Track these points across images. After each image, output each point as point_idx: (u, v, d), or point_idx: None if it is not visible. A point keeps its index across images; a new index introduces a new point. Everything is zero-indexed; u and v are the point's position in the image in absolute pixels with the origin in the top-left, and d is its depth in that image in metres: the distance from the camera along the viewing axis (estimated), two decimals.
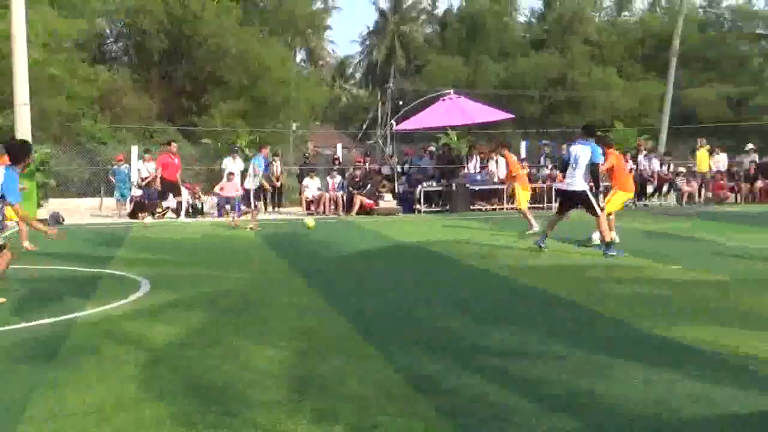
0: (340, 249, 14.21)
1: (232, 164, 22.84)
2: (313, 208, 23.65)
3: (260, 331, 7.32)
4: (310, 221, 17.52)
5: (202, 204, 23.77)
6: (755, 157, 26.95)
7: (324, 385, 5.49)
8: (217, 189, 23.09)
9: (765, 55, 55.04)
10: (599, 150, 12.48)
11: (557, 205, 12.43)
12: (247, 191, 18.64)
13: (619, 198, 14.05)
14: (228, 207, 22.55)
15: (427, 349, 6.50)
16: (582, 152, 12.31)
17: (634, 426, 4.60)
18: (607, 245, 12.31)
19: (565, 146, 19.93)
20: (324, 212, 23.16)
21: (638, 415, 4.76)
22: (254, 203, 18.62)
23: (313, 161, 27.00)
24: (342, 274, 11.48)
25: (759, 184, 25.78)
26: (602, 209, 12.55)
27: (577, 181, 12.41)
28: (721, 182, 26.02)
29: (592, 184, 12.44)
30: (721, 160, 26.96)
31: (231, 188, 22.59)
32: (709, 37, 53.16)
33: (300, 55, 50.03)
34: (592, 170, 12.38)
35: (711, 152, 26.46)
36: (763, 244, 13.84)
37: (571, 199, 12.71)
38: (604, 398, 5.10)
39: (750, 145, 27.97)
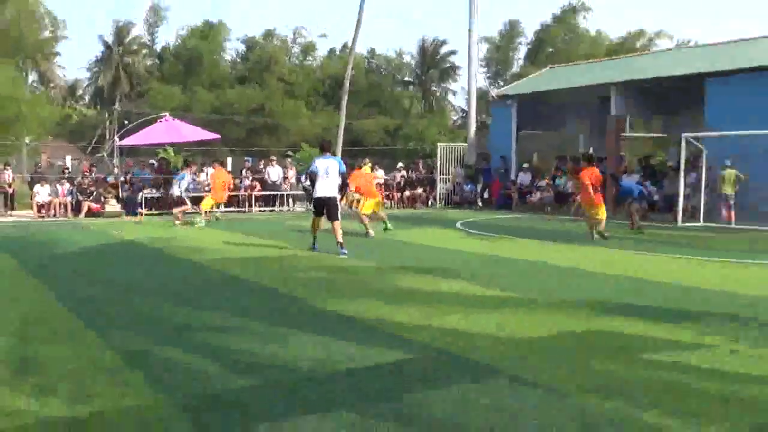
0: (66, 247, 13.23)
1: None
2: (44, 211, 21.82)
3: None
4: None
5: None
6: (404, 172, 28.92)
7: (45, 364, 5.17)
8: None
9: (410, 96, 59.39)
10: (343, 162, 12.70)
11: (315, 210, 12.27)
12: None
13: (370, 204, 15.36)
14: None
15: (141, 330, 6.32)
16: (331, 165, 12.27)
17: (304, 379, 4.81)
18: (341, 245, 11.89)
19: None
20: (55, 215, 21.48)
21: (307, 371, 4.99)
22: None
23: (45, 170, 25.09)
24: (66, 268, 10.69)
25: (407, 193, 27.69)
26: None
27: (331, 189, 12.14)
28: (380, 191, 27.53)
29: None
30: (380, 175, 28.61)
31: None
32: (371, 81, 56.29)
33: (32, 76, 46.11)
34: (342, 178, 12.51)
35: (372, 168, 27.95)
36: (408, 238, 14.82)
37: (327, 204, 12.18)
38: (282, 360, 5.28)
39: (400, 164, 30.07)
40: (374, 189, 16.67)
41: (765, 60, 18.64)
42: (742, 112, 17.97)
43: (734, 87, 18.76)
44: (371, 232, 15.01)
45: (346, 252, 11.63)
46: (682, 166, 18.83)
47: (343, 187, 13.07)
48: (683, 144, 18.64)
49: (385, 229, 15.76)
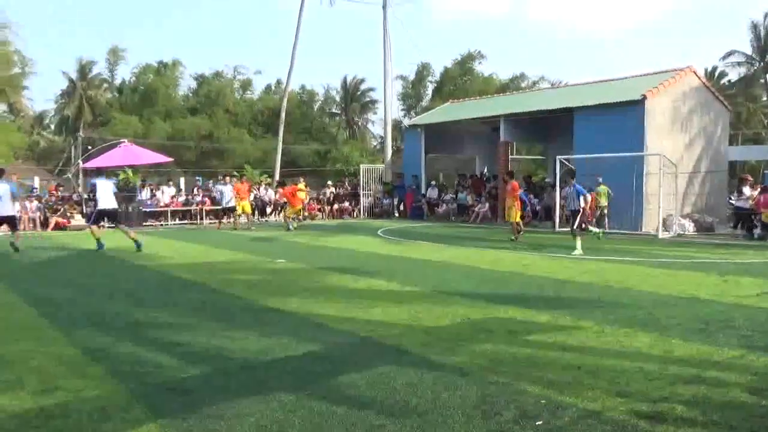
0: (33, 256, 12.52)
1: None
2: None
3: None
4: None
5: None
6: (333, 189, 28.79)
7: (12, 361, 4.85)
8: None
9: (337, 125, 59.38)
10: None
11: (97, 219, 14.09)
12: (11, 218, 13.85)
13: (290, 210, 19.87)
14: None
15: (100, 328, 6.02)
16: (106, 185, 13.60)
17: (246, 367, 4.69)
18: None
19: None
20: (24, 229, 20.30)
21: (248, 360, 4.88)
22: None
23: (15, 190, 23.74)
24: (33, 275, 10.07)
25: (335, 206, 27.56)
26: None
27: (112, 201, 13.46)
28: (312, 205, 27.31)
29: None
30: (311, 192, 28.41)
31: None
32: (304, 112, 55.98)
33: (2, 107, 43.62)
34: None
35: (306, 186, 27.75)
36: (336, 244, 14.76)
37: (108, 213, 13.69)
38: (226, 351, 5.14)
39: (329, 182, 29.93)
40: (296, 200, 20.19)
41: (618, 97, 19.50)
42: (601, 138, 18.72)
43: (595, 118, 19.54)
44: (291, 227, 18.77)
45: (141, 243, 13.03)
46: (558, 183, 19.46)
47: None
48: (557, 164, 19.27)
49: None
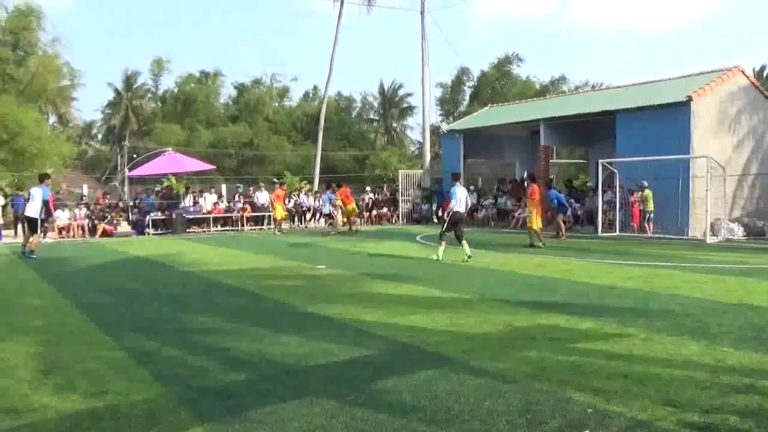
0: (83, 262, 12.90)
1: None
2: (64, 233, 21.30)
3: (12, 328, 6.43)
4: None
5: None
6: (372, 195, 28.90)
7: (64, 364, 4.99)
8: None
9: (375, 130, 59.60)
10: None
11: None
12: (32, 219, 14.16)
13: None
14: None
15: (146, 332, 6.16)
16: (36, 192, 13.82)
17: (289, 372, 4.72)
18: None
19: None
20: (73, 236, 20.97)
21: (291, 365, 4.91)
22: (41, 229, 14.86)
23: (65, 198, 24.60)
24: (83, 280, 10.35)
25: (374, 212, 27.66)
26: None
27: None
28: None
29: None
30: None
31: None
32: (342, 118, 56.40)
33: (52, 118, 45.22)
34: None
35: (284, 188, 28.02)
36: (375, 250, 14.80)
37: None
38: (269, 356, 5.18)
39: (368, 188, 30.03)
40: (349, 201, 21.25)
41: (662, 99, 19.07)
42: (644, 141, 18.34)
43: (638, 121, 19.15)
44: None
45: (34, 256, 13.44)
46: (600, 187, 19.13)
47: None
48: (599, 168, 18.94)
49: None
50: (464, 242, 12.41)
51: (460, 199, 12.62)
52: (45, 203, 13.69)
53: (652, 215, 18.12)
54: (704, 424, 3.54)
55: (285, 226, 22.79)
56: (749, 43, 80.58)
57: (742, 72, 20.00)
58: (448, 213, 12.72)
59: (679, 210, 17.87)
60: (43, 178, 14.41)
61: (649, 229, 18.07)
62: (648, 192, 17.93)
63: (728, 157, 18.56)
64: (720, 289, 8.35)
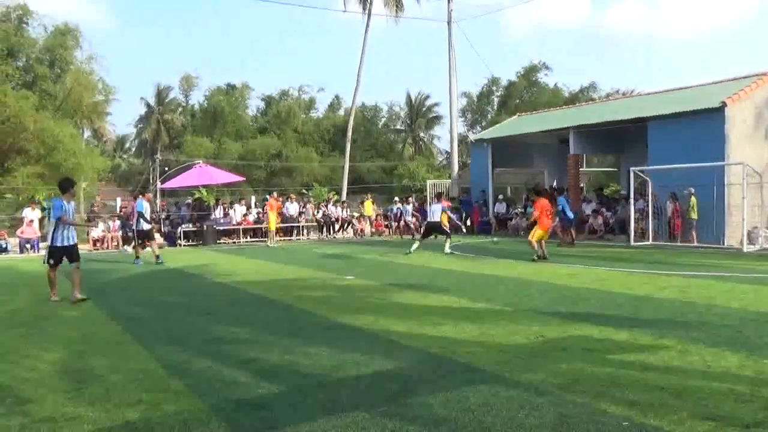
0: (117, 274, 13.13)
1: (31, 213, 20.78)
2: (98, 245, 21.75)
3: (47, 339, 6.59)
4: None
5: (6, 244, 20.84)
6: (399, 205, 28.86)
7: (99, 375, 5.07)
8: (18, 232, 20.70)
9: (402, 140, 59.71)
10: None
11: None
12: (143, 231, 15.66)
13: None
14: (28, 246, 20.15)
15: (179, 343, 6.23)
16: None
17: (320, 384, 4.72)
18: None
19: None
20: (107, 248, 21.39)
21: (322, 376, 4.91)
22: None
23: (99, 210, 25.18)
24: (117, 292, 10.54)
25: (402, 223, 27.61)
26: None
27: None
28: (379, 221, 27.48)
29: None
30: (377, 209, 28.62)
31: (30, 231, 20.32)
32: (369, 129, 56.68)
33: (87, 132, 46.33)
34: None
35: (373, 202, 28.00)
36: (405, 260, 14.75)
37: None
38: (301, 367, 5.20)
39: (396, 199, 30.01)
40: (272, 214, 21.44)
41: (695, 105, 18.73)
42: (678, 148, 18.02)
43: (671, 127, 18.83)
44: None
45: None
46: (632, 195, 18.83)
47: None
48: (631, 176, 18.66)
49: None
50: (446, 241, 16.79)
51: (433, 212, 17.14)
52: (141, 215, 15.41)
53: (696, 223, 17.67)
54: None
55: (277, 238, 22.46)
56: None
57: None
58: (425, 223, 17.34)
59: (714, 218, 17.48)
60: (140, 194, 16.96)
61: (694, 238, 17.65)
62: (694, 199, 17.50)
63: (765, 164, 18.11)
64: (759, 299, 8.13)
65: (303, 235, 25.28)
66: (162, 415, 4.05)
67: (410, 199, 22.01)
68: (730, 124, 17.65)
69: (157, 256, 15.02)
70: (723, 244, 17.16)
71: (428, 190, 28.36)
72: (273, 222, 21.77)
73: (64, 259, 9.32)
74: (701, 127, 17.95)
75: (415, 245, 16.34)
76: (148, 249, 15.58)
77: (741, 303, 7.80)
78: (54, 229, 9.22)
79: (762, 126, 18.62)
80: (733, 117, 17.78)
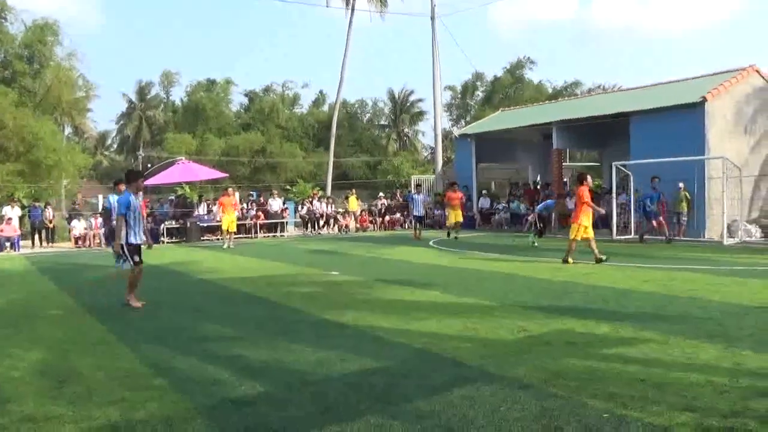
0: (101, 271, 12.99)
1: (11, 211, 20.51)
2: (80, 243, 21.53)
3: (30, 338, 6.51)
4: None
5: None
6: (385, 201, 28.90)
7: (82, 374, 5.04)
8: None
9: (387, 136, 59.69)
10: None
11: None
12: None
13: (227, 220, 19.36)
14: (8, 244, 19.89)
15: (165, 342, 6.20)
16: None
17: (306, 381, 4.72)
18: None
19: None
20: (89, 246, 21.18)
21: (308, 373, 4.91)
22: None
23: (80, 208, 24.87)
24: (101, 290, 10.37)
25: (387, 218, 27.65)
26: None
27: None
28: (364, 217, 27.48)
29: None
30: (363, 204, 28.60)
31: (9, 230, 20.06)
32: (353, 124, 56.56)
33: (68, 129, 45.76)
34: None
35: (357, 198, 27.99)
36: (390, 256, 14.79)
37: None
38: (286, 364, 5.19)
39: (381, 194, 30.06)
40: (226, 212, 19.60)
41: (676, 100, 18.92)
42: (659, 142, 18.20)
43: (652, 122, 19.01)
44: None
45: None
46: (614, 189, 19.01)
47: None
48: (613, 170, 18.82)
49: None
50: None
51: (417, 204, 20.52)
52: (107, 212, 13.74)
53: (685, 218, 17.82)
54: (724, 428, 3.50)
55: (231, 237, 19.55)
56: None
57: (758, 71, 19.79)
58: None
59: (695, 212, 17.70)
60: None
61: (681, 232, 17.82)
62: (683, 194, 17.63)
63: (745, 158, 18.37)
64: (739, 291, 8.26)
65: (285, 231, 25.21)
66: (144, 414, 4.03)
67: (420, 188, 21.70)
68: (710, 119, 17.88)
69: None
70: (704, 237, 17.39)
71: (413, 186, 28.41)
72: (226, 221, 19.59)
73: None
74: (682, 121, 18.17)
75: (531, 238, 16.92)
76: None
77: (721, 296, 7.92)
78: (125, 225, 8.38)
79: (742, 121, 18.88)
80: (713, 112, 18.01)
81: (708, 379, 4.39)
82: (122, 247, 8.37)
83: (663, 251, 14.22)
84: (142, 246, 8.67)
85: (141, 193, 8.74)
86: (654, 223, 16.90)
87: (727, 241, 16.07)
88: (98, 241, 21.38)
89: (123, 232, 8.33)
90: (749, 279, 9.43)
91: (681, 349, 5.29)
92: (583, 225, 12.05)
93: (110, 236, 13.78)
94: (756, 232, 17.57)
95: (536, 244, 16.48)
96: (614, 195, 19.07)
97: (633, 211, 18.78)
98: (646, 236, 17.15)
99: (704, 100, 17.74)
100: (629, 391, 4.16)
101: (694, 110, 17.95)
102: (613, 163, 19.00)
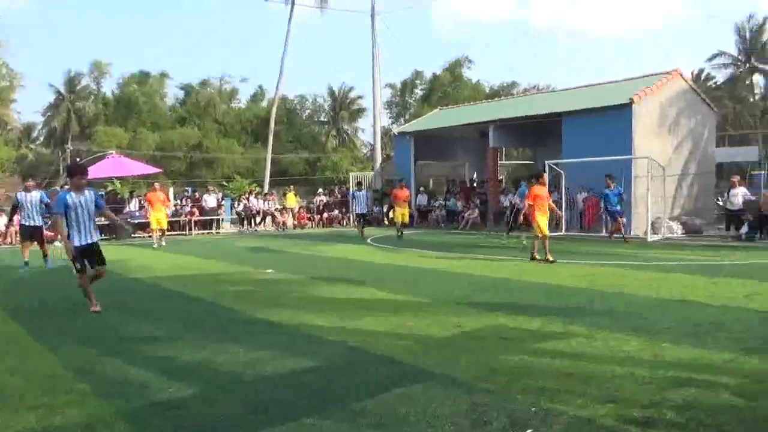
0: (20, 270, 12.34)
1: None
2: (0, 239, 20.48)
3: None
4: None
5: None
6: (323, 197, 28.76)
7: None
8: None
9: (326, 133, 59.42)
10: None
11: None
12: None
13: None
14: None
15: (88, 343, 5.95)
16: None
17: (235, 381, 4.63)
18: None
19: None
20: (11, 243, 20.16)
21: (238, 373, 4.82)
22: None
23: (1, 203, 23.67)
24: (22, 289, 9.89)
25: (325, 215, 27.54)
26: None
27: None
28: (302, 214, 27.27)
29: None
30: (300, 201, 28.38)
31: None
32: (293, 120, 56.02)
33: None
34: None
35: (296, 194, 27.74)
36: (327, 253, 14.72)
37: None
38: (216, 365, 5.07)
39: (320, 191, 29.91)
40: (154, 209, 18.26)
41: (606, 101, 19.61)
42: (589, 142, 18.81)
43: (583, 122, 19.64)
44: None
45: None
46: (546, 187, 19.48)
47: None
48: (546, 169, 19.33)
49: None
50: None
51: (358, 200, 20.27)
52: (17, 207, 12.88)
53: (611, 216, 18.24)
54: (643, 419, 3.64)
55: (159, 236, 18.28)
56: (691, 45, 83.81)
57: (681, 75, 20.75)
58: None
59: (622, 209, 18.37)
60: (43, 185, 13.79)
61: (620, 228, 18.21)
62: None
63: (668, 158, 19.21)
64: (661, 285, 8.63)
65: (221, 228, 24.73)
66: (64, 420, 3.85)
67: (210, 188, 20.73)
68: (637, 120, 18.62)
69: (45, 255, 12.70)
70: (629, 233, 18.09)
71: (351, 183, 28.38)
72: (154, 218, 18.39)
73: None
74: (611, 122, 18.84)
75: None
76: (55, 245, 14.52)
77: (644, 290, 8.25)
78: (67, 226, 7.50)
79: (666, 122, 19.74)
80: (640, 113, 18.77)
81: (630, 372, 4.56)
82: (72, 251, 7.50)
83: (589, 247, 14.71)
84: (94, 246, 7.77)
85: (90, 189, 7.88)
86: (621, 221, 16.62)
87: (651, 238, 16.77)
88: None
89: (65, 233, 7.48)
90: (669, 274, 9.87)
91: (605, 342, 5.48)
92: (539, 222, 12.07)
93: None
94: (677, 229, 18.40)
95: (525, 242, 14.82)
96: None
97: (563, 210, 19.32)
98: (615, 235, 16.77)
99: (631, 101, 18.46)
100: (557, 385, 4.28)
101: (622, 111, 18.64)
102: (546, 162, 19.51)
